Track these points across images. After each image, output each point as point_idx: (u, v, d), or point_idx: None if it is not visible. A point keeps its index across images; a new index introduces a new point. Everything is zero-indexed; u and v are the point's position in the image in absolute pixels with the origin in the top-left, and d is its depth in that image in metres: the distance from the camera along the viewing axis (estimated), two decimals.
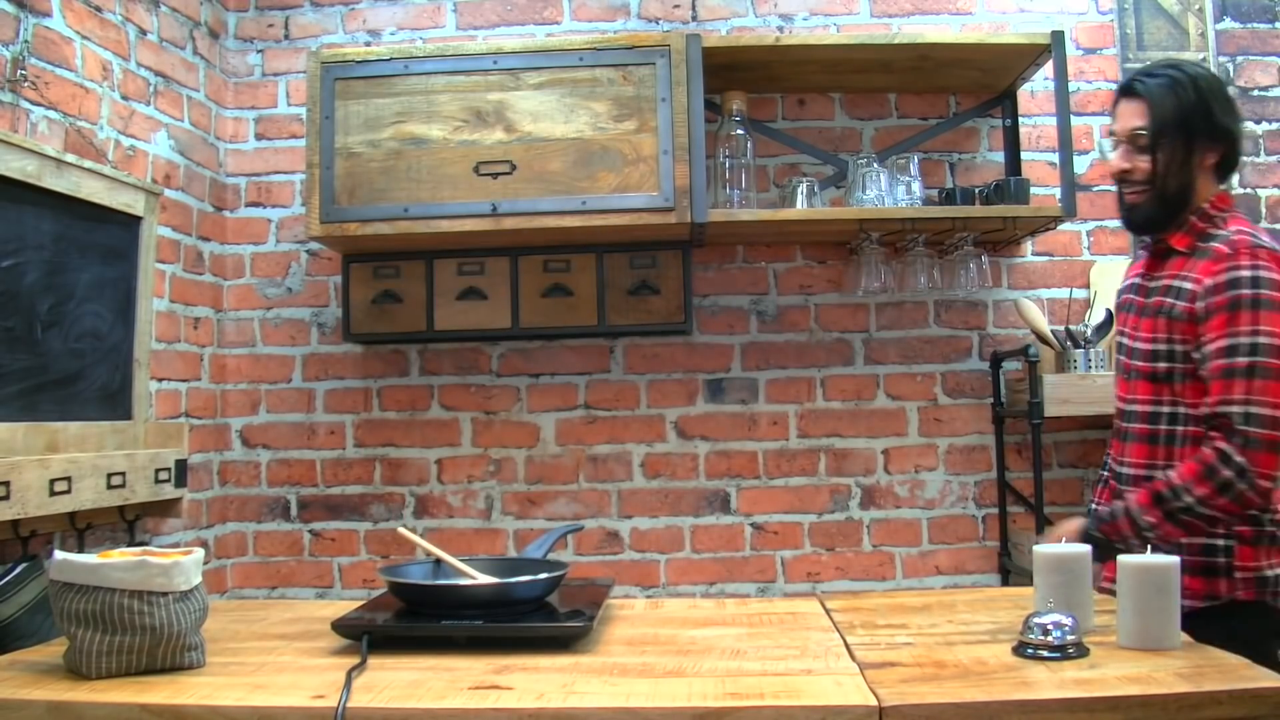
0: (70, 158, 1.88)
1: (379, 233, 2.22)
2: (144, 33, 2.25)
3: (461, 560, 1.41)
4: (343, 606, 1.44)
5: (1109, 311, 2.36)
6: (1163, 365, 1.52)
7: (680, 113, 2.19)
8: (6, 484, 1.63)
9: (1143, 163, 1.53)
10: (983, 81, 2.47)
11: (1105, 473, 1.71)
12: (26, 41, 1.88)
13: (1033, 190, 2.39)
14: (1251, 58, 2.58)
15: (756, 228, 2.34)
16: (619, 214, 2.19)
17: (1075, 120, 2.41)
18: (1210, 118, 1.51)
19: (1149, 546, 1.34)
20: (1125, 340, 1.62)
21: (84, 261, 1.95)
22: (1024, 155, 2.51)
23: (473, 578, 1.36)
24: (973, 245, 2.37)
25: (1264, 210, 2.56)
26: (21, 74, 1.86)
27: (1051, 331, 2.33)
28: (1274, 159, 2.56)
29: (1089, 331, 2.32)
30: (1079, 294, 2.47)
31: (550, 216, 2.19)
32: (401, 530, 1.52)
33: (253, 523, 2.58)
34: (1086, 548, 1.29)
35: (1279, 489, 1.46)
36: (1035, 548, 1.30)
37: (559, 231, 2.23)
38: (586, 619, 1.23)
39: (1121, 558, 1.21)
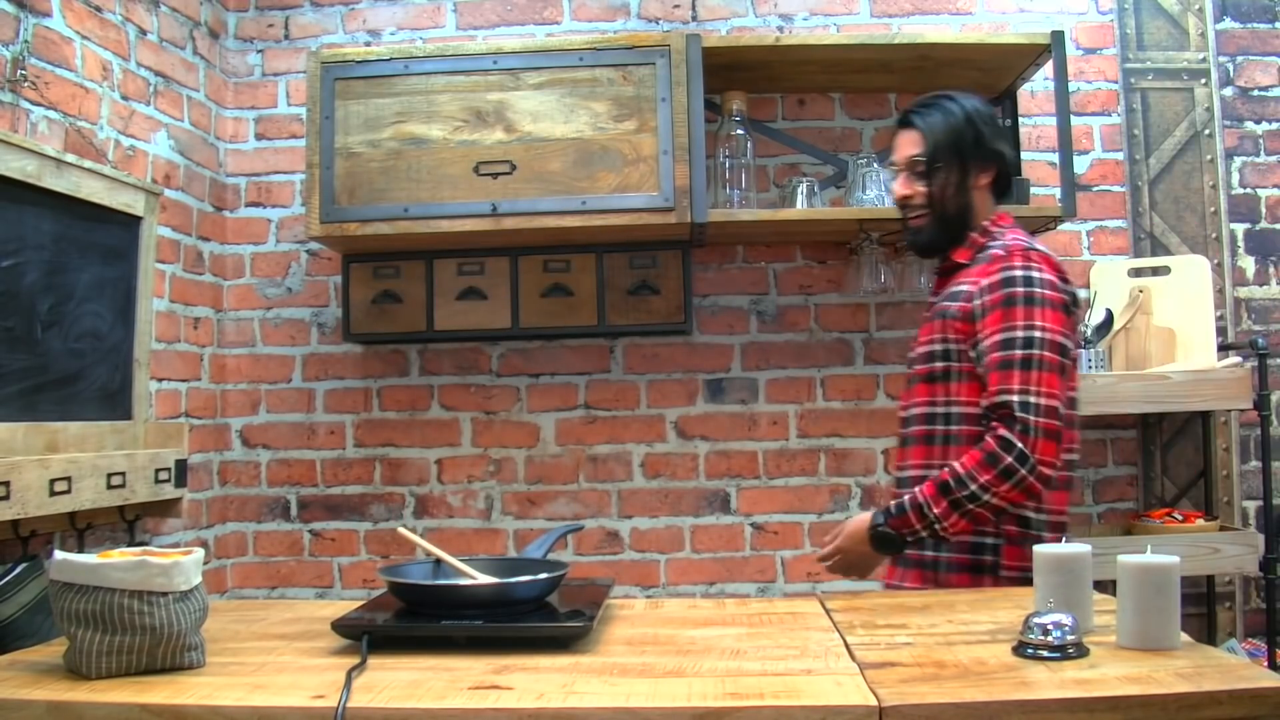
0: (70, 158, 1.88)
1: (379, 233, 2.22)
2: (144, 33, 2.25)
3: (461, 560, 1.41)
4: (343, 606, 1.44)
5: (1109, 311, 2.36)
6: (939, 365, 1.58)
7: (680, 113, 2.19)
8: (6, 484, 1.63)
9: (921, 188, 1.63)
10: (983, 81, 2.47)
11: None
12: (26, 41, 1.88)
13: (1033, 190, 2.39)
14: (1251, 58, 2.58)
15: (756, 228, 2.34)
16: (619, 214, 2.19)
17: (1075, 120, 2.41)
18: (980, 141, 1.61)
19: (937, 540, 1.46)
20: (910, 355, 1.70)
21: (84, 261, 1.95)
22: (1024, 155, 2.52)
23: (473, 578, 1.36)
24: None
25: (1264, 210, 2.56)
26: (21, 74, 1.86)
27: None
28: (1274, 159, 2.56)
29: (1089, 331, 2.32)
30: (1079, 294, 2.47)
31: (550, 216, 2.19)
32: (401, 530, 1.52)
33: (253, 523, 2.58)
34: (1086, 547, 1.29)
35: (1052, 489, 1.51)
36: (1035, 548, 1.30)
37: (559, 231, 2.24)
38: (586, 619, 1.23)
39: (1122, 558, 1.21)
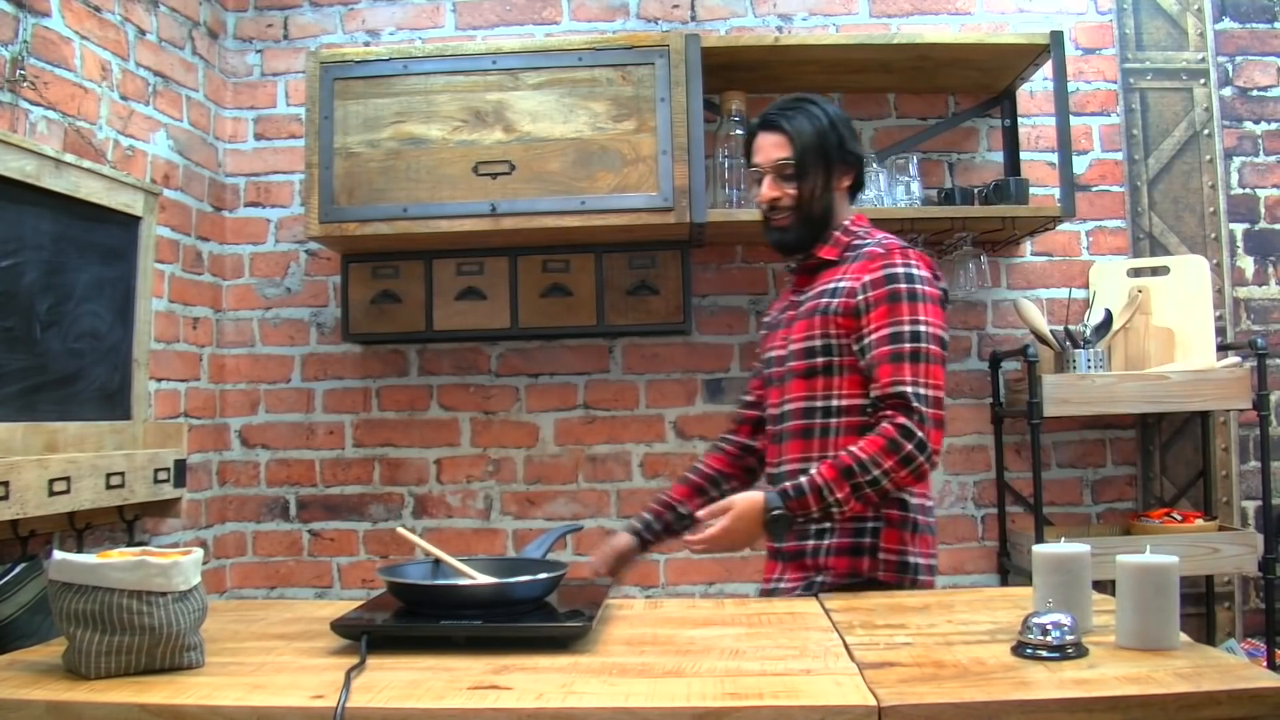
0: (69, 158, 1.88)
1: (378, 233, 2.22)
2: (143, 33, 2.25)
3: (460, 560, 1.41)
4: (342, 606, 1.44)
5: (1108, 311, 2.36)
6: (820, 360, 1.61)
7: (679, 113, 2.19)
8: (5, 484, 1.63)
9: (790, 190, 1.65)
10: (982, 82, 2.47)
11: (693, 476, 1.84)
12: (25, 42, 1.88)
13: (1032, 190, 2.39)
14: (1250, 58, 2.58)
15: (756, 228, 2.32)
16: (618, 214, 2.19)
17: (1074, 120, 2.41)
18: (844, 145, 1.66)
19: (827, 523, 1.53)
20: (775, 352, 1.71)
21: (83, 261, 1.95)
22: (1023, 155, 2.52)
23: (471, 578, 1.36)
24: (972, 245, 2.37)
25: (1263, 210, 2.56)
26: (21, 74, 1.85)
27: (1050, 331, 2.33)
28: (1273, 159, 2.56)
29: (1088, 331, 2.32)
30: (1078, 294, 2.47)
31: (549, 216, 2.19)
32: (400, 530, 1.52)
33: (252, 523, 2.58)
34: (1086, 547, 1.29)
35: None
36: (1034, 547, 1.30)
37: (558, 231, 2.23)
38: (585, 619, 1.23)
39: (1121, 558, 1.21)
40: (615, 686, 1.05)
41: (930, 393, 1.52)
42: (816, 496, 1.52)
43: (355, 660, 1.13)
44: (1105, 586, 1.34)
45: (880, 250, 1.61)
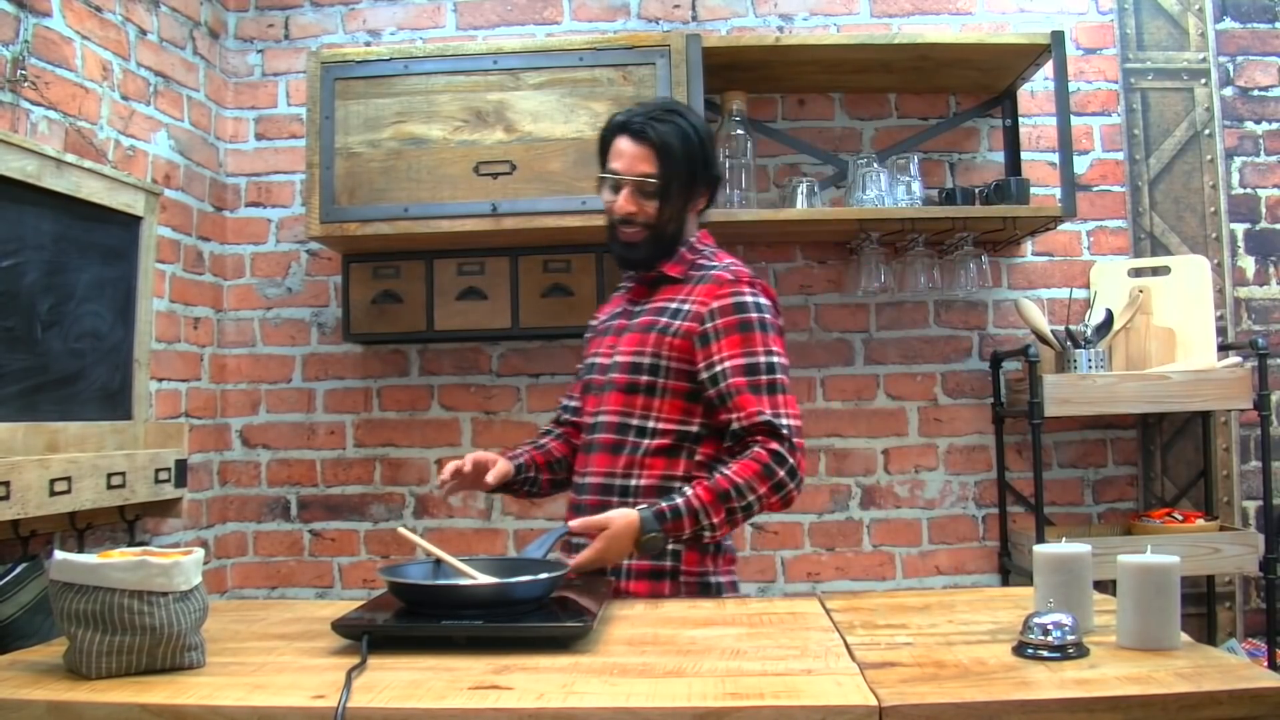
0: (70, 158, 1.88)
1: (379, 233, 2.22)
2: (144, 33, 2.25)
3: (461, 560, 1.41)
4: (343, 606, 1.44)
5: (1108, 311, 2.36)
6: (644, 378, 1.57)
7: None
8: (6, 484, 1.63)
9: (650, 208, 1.58)
10: (982, 81, 2.47)
11: (547, 452, 1.77)
12: (26, 41, 1.88)
13: (1033, 190, 2.39)
14: (1251, 58, 2.58)
15: (756, 228, 2.34)
16: None
17: (1075, 120, 2.41)
18: (709, 166, 1.61)
19: (697, 545, 1.51)
20: (599, 360, 1.67)
21: (84, 261, 1.95)
22: (1024, 155, 2.52)
23: (472, 578, 1.36)
24: (973, 245, 2.37)
25: (1264, 210, 2.56)
26: (22, 74, 1.86)
27: (1051, 331, 2.33)
28: (1274, 159, 2.56)
29: (1089, 331, 2.32)
30: (1079, 294, 2.47)
31: (550, 216, 2.19)
32: (401, 530, 1.52)
33: (253, 523, 2.58)
34: (1087, 547, 1.29)
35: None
36: (1035, 547, 1.30)
37: (559, 231, 2.23)
38: (586, 619, 1.23)
39: (1122, 558, 1.21)
40: (616, 686, 1.05)
41: (794, 423, 1.53)
42: (692, 520, 1.49)
43: (356, 660, 1.13)
44: (1106, 586, 1.34)
45: (729, 277, 1.58)
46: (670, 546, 1.54)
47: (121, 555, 1.18)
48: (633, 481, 1.58)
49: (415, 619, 1.26)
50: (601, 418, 1.62)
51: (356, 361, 2.59)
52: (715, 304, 1.56)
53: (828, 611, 1.42)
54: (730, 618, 1.41)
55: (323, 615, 1.45)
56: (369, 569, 2.54)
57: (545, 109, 2.21)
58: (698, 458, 1.59)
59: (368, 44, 2.61)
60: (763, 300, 1.58)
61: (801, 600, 1.53)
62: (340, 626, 1.23)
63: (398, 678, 1.08)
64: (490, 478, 1.66)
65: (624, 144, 1.59)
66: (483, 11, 2.61)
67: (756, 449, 1.51)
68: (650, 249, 1.61)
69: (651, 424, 1.58)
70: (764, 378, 1.54)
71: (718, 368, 1.55)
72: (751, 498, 1.50)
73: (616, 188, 1.60)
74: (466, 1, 2.61)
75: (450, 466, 1.63)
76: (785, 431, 1.51)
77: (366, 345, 2.56)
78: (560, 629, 1.22)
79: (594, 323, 1.79)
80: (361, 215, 2.22)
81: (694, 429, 1.59)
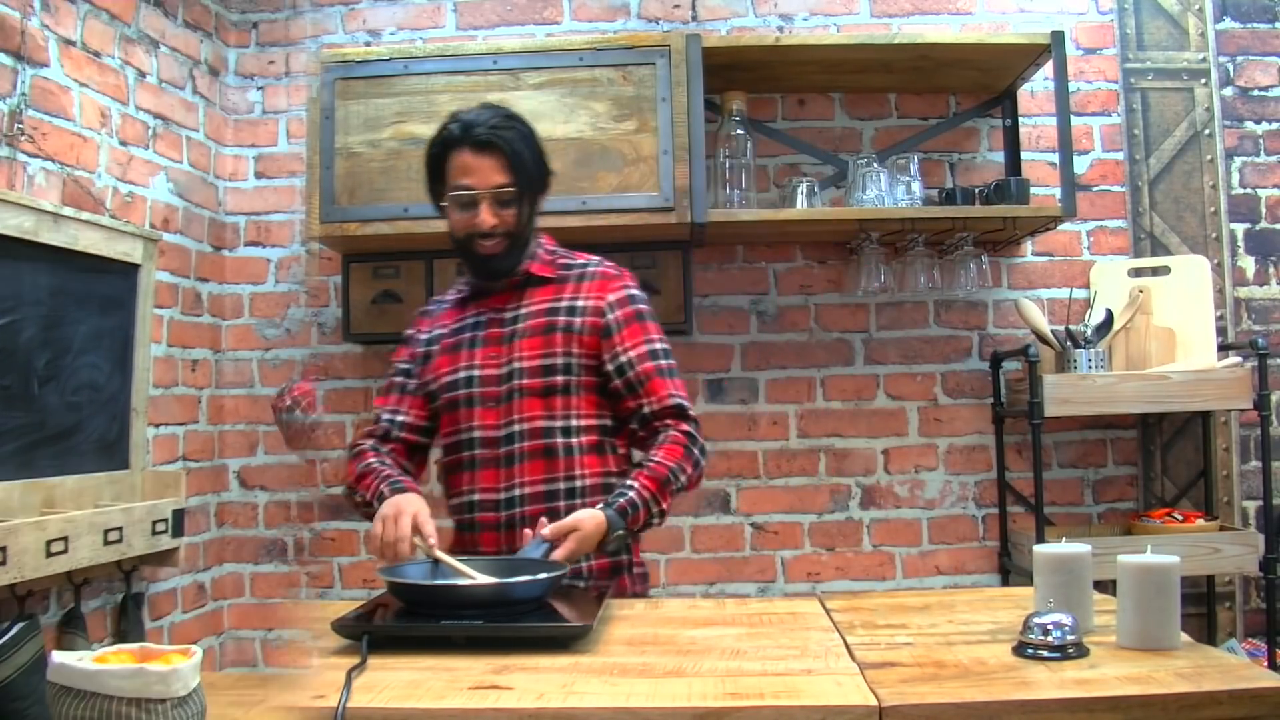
0: (68, 210, 1.85)
1: (379, 233, 2.22)
2: (143, 75, 2.23)
3: (460, 559, 1.40)
4: (342, 606, 1.44)
5: (1109, 311, 2.36)
6: (560, 379, 1.58)
7: (680, 113, 2.19)
8: (3, 549, 1.59)
9: (509, 217, 1.57)
10: (982, 81, 2.47)
11: (384, 490, 1.54)
12: (24, 94, 1.84)
13: (1033, 190, 2.39)
14: (1251, 58, 2.58)
15: (757, 228, 2.34)
16: (619, 214, 2.19)
17: (1075, 120, 2.41)
18: (546, 165, 1.63)
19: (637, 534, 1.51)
20: (481, 371, 1.60)
21: (81, 313, 1.92)
22: (1024, 155, 2.51)
23: (471, 577, 1.36)
24: (973, 245, 2.37)
25: (1264, 210, 2.56)
26: (19, 128, 1.82)
27: (1051, 331, 2.33)
28: (1274, 159, 2.56)
29: (1089, 331, 2.32)
30: (1079, 294, 2.47)
31: (550, 216, 2.16)
32: (441, 556, 1.45)
33: (250, 564, 2.56)
34: (1086, 547, 1.29)
35: None
36: (1035, 547, 1.30)
37: (559, 232, 2.20)
38: (586, 619, 1.23)
39: (1122, 558, 1.21)
40: (616, 686, 1.05)
41: (690, 404, 1.63)
42: (646, 511, 1.52)
43: (356, 660, 1.13)
44: (1106, 586, 1.34)
45: (613, 271, 1.66)
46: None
47: (118, 656, 1.16)
48: (576, 484, 1.58)
49: (415, 619, 1.26)
50: (517, 427, 1.57)
51: (356, 361, 2.59)
52: (611, 296, 1.62)
53: (827, 611, 1.42)
54: (730, 618, 1.41)
55: (322, 618, 1.44)
56: (368, 569, 2.54)
57: (545, 109, 2.21)
58: (620, 451, 1.66)
59: (368, 44, 2.61)
60: (641, 291, 1.68)
61: (801, 600, 1.54)
62: (340, 627, 1.23)
63: (397, 678, 1.08)
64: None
65: (469, 158, 1.54)
66: (482, 11, 2.61)
67: (672, 432, 1.58)
68: (513, 256, 1.61)
69: (575, 423, 1.59)
70: (664, 362, 1.62)
71: (623, 357, 1.59)
72: (683, 478, 1.56)
73: (470, 203, 1.56)
74: (466, 1, 2.61)
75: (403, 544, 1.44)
76: (691, 412, 1.61)
77: (366, 345, 2.56)
78: (560, 629, 1.22)
79: (427, 334, 1.69)
80: (361, 215, 2.22)
81: (609, 422, 1.63)
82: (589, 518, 1.47)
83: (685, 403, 1.61)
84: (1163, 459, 2.51)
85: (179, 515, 2.07)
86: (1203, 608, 2.46)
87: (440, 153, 1.58)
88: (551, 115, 2.21)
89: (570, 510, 1.52)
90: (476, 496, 1.59)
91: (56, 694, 1.11)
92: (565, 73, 2.22)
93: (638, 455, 1.61)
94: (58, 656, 1.13)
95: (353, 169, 2.22)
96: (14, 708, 1.59)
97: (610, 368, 1.60)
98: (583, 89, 2.21)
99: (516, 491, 1.57)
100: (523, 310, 1.62)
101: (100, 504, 1.93)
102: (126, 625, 2.06)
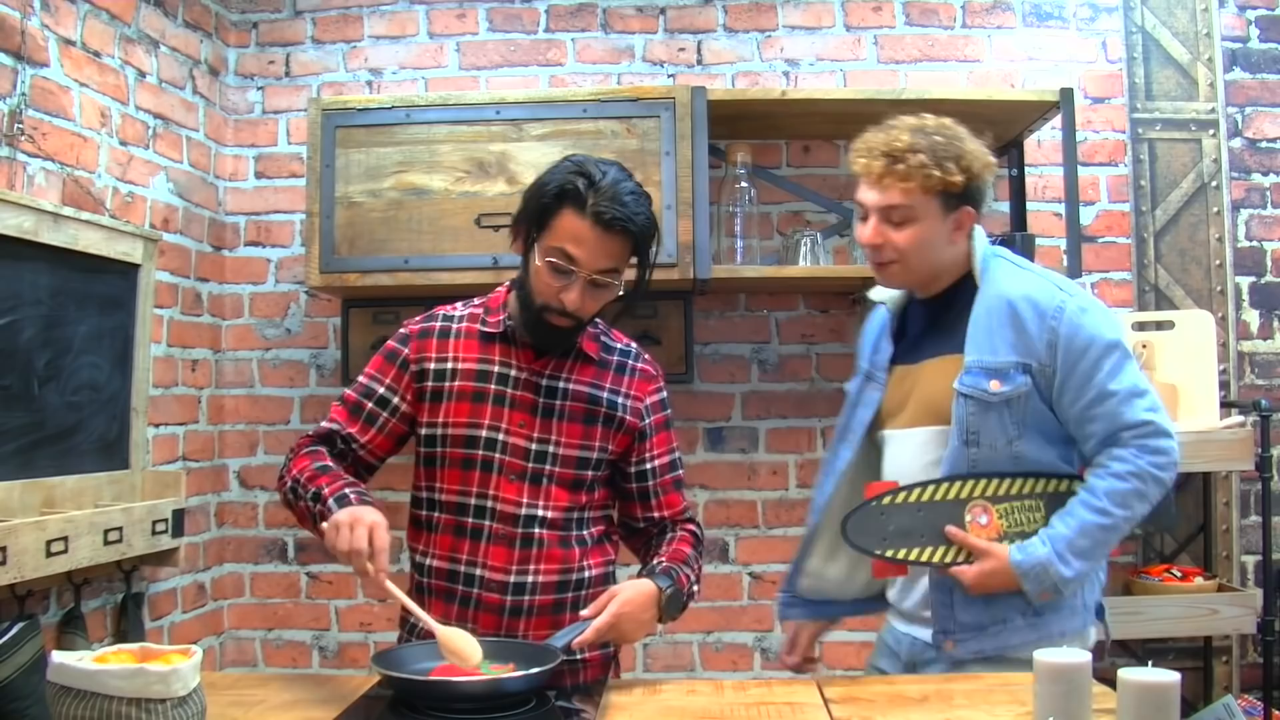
0: (68, 210, 1.86)
1: (379, 284, 2.21)
2: (143, 75, 2.23)
3: (481, 640, 1.39)
4: (341, 684, 1.44)
5: None
6: (590, 473, 1.53)
7: (684, 167, 2.18)
8: (3, 549, 1.61)
9: (596, 304, 1.46)
10: (989, 132, 2.44)
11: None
12: (24, 94, 1.86)
13: (1038, 242, 2.37)
14: (1261, 109, 2.56)
15: (760, 281, 2.33)
16: None
17: (1082, 170, 2.40)
18: (651, 262, 1.49)
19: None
20: (506, 438, 1.47)
21: (81, 313, 1.93)
22: (1029, 205, 2.50)
23: (431, 627, 1.35)
24: None
25: (1269, 264, 2.54)
26: (19, 127, 1.84)
27: None
28: None
29: None
30: None
31: None
32: (388, 586, 1.42)
33: (250, 564, 2.57)
34: (1087, 656, 1.28)
35: None
36: (1035, 654, 1.29)
37: None
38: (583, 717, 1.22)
39: (1123, 674, 1.20)
40: None
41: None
42: (685, 577, 1.52)
43: None
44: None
45: (652, 371, 1.59)
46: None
47: (118, 656, 1.17)
48: (585, 574, 1.54)
49: (409, 712, 1.25)
50: (541, 511, 1.48)
51: None
52: (648, 400, 1.57)
53: (826, 702, 1.42)
54: (728, 708, 1.41)
55: (319, 696, 1.44)
56: (366, 612, 2.54)
57: (548, 161, 2.14)
58: (615, 538, 1.63)
59: (369, 82, 2.59)
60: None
61: (800, 687, 1.53)
62: None
63: None
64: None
65: (592, 230, 1.38)
66: (485, 52, 2.59)
67: (682, 533, 1.59)
68: (576, 336, 1.50)
69: (589, 513, 1.56)
70: (681, 473, 1.63)
71: (648, 465, 1.58)
72: (698, 568, 1.56)
73: (566, 274, 1.40)
74: (470, 42, 2.59)
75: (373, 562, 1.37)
76: (698, 520, 1.64)
77: None
78: None
79: (435, 366, 1.50)
80: (362, 266, 2.20)
81: (613, 514, 1.63)
82: (630, 585, 1.43)
83: (694, 514, 1.65)
84: None
85: (179, 515, 2.07)
86: (1199, 662, 2.46)
87: (555, 206, 1.40)
88: None
89: (577, 602, 1.50)
90: (480, 573, 1.49)
91: (56, 694, 1.12)
92: (569, 124, 2.20)
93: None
94: (58, 656, 1.13)
95: (353, 219, 2.21)
96: (14, 708, 1.61)
97: (633, 470, 1.57)
98: (586, 141, 2.19)
99: (530, 579, 1.49)
100: (563, 385, 1.50)
101: (100, 504, 1.94)
102: (126, 625, 2.08)
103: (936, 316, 1.59)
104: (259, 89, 2.61)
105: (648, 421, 1.57)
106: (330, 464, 1.49)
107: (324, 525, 1.38)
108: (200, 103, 2.47)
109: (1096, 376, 1.48)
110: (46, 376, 1.85)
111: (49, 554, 1.72)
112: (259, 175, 2.61)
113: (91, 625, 1.97)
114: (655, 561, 1.53)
